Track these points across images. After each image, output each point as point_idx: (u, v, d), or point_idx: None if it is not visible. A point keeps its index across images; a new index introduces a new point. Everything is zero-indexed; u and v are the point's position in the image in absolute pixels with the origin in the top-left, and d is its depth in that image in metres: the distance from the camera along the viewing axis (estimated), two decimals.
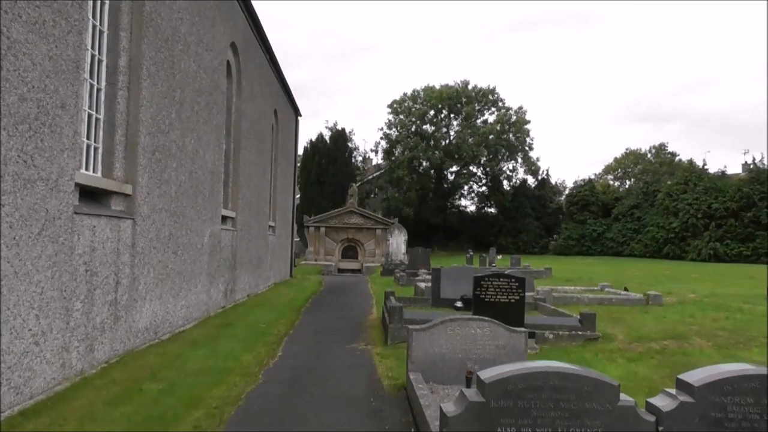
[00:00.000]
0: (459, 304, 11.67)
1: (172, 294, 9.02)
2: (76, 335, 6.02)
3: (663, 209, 40.77)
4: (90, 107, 6.88)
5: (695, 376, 3.77)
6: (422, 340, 6.12)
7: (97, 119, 7.04)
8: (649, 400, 3.84)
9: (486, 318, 6.26)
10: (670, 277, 21.92)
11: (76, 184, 6.06)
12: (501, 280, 9.02)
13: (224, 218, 12.83)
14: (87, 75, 6.75)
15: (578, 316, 9.56)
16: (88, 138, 6.83)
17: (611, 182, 74.30)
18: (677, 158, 68.97)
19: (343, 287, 20.62)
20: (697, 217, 38.26)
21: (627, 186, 69.49)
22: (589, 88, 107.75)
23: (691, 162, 43.74)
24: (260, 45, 15.77)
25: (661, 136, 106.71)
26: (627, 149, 77.32)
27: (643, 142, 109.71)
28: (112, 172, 7.13)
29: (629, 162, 76.07)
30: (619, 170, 77.94)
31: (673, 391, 3.81)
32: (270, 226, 18.54)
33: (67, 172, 5.72)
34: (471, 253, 31.51)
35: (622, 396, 3.66)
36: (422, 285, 14.22)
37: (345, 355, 8.24)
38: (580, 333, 9.17)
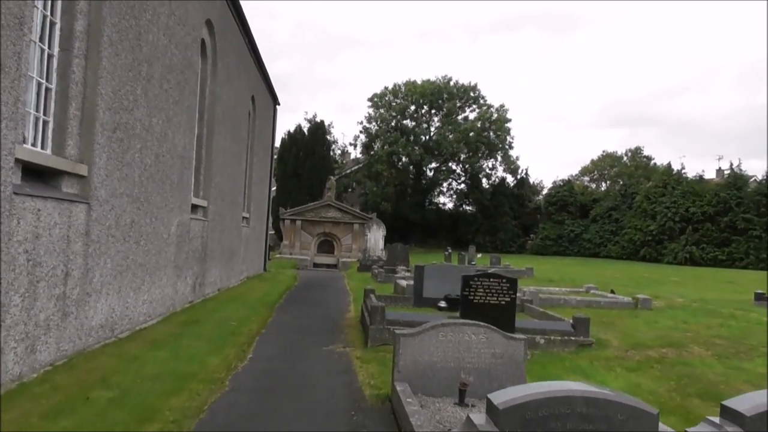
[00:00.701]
0: (443, 303, 11.06)
1: (133, 287, 8.22)
2: (13, 334, 5.22)
3: (641, 212, 40.84)
4: (40, 75, 6.06)
5: (744, 404, 3.18)
6: (411, 347, 5.46)
7: (47, 89, 6.22)
8: (689, 430, 3.23)
9: (482, 323, 5.63)
10: (650, 280, 21.67)
11: (17, 161, 5.26)
12: (491, 280, 8.42)
13: (194, 207, 12.01)
14: (36, 37, 5.93)
15: (570, 321, 9.02)
16: (36, 110, 6.01)
17: (587, 184, 74.75)
18: (652, 162, 69.67)
19: (318, 283, 19.88)
20: (674, 221, 38.36)
21: (603, 188, 69.98)
22: (567, 89, 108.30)
23: (669, 166, 43.83)
24: (238, 26, 14.93)
25: (636, 140, 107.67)
26: (603, 152, 77.90)
27: (619, 145, 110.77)
28: (64, 150, 6.31)
29: (605, 164, 76.59)
30: (596, 172, 78.44)
31: (716, 419, 3.21)
32: (244, 218, 17.72)
33: (6, 145, 4.92)
34: (449, 251, 31.01)
35: (662, 427, 3.05)
36: (403, 283, 13.57)
37: (322, 358, 7.55)
38: (573, 338, 8.62)
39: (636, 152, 74.01)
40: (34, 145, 5.98)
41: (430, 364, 5.46)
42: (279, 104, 23.76)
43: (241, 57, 15.62)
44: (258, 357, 7.37)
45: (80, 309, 6.54)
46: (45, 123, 6.20)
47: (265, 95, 20.52)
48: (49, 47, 6.22)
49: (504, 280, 8.44)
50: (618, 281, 20.43)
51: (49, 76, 6.24)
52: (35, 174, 5.95)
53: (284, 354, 7.65)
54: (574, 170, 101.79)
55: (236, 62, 15.00)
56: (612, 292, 14.36)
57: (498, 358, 5.52)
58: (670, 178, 41.01)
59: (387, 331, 8.33)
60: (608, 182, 74.58)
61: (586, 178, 77.31)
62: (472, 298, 8.36)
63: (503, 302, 8.38)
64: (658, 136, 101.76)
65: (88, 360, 6.29)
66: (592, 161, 78.98)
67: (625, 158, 74.74)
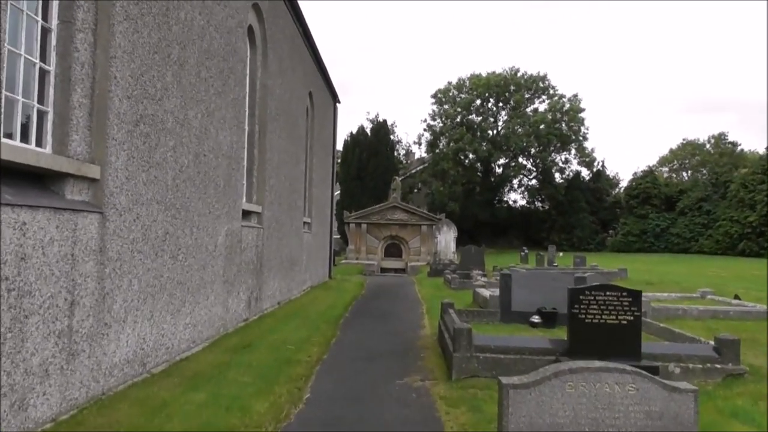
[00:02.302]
0: (536, 319, 9.28)
1: (171, 311, 6.94)
2: None
3: (737, 201, 37.04)
4: (30, 53, 4.80)
5: None
6: (525, 404, 3.80)
7: (44, 71, 4.96)
8: None
9: (627, 368, 3.88)
10: (765, 279, 18.87)
11: None
12: (607, 294, 6.59)
13: (247, 213, 10.75)
14: (23, 4, 4.67)
15: (710, 342, 7.07)
16: (26, 96, 4.75)
17: (666, 174, 70.07)
18: (739, 148, 64.48)
19: (387, 290, 18.40)
20: None
21: (685, 178, 65.29)
22: (641, 75, 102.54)
23: (763, 156, 39.53)
24: (291, 13, 13.65)
25: (718, 125, 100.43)
26: (684, 139, 72.82)
27: (700, 132, 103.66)
28: (67, 147, 5.04)
29: (686, 153, 71.58)
30: (675, 162, 73.52)
31: None
32: (305, 223, 16.45)
33: None
34: (526, 251, 28.87)
35: None
36: (485, 293, 11.81)
37: (396, 398, 5.98)
38: (718, 366, 6.67)
39: (720, 138, 68.73)
40: (25, 140, 4.72)
41: (555, 428, 3.78)
42: (339, 102, 22.49)
43: (295, 48, 14.35)
44: (316, 399, 5.88)
45: (95, 344, 5.25)
46: (42, 114, 4.94)
47: (323, 91, 19.25)
48: (45, 19, 4.96)
49: (624, 294, 6.59)
50: (727, 281, 17.86)
51: (47, 54, 4.98)
52: (29, 178, 4.70)
53: (349, 393, 6.13)
54: (652, 161, 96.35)
55: (290, 53, 13.73)
56: (736, 297, 12.10)
57: (656, 420, 3.77)
58: None
59: (476, 360, 6.69)
60: (690, 172, 69.65)
61: (665, 169, 72.51)
62: (583, 317, 6.56)
63: (624, 321, 6.53)
64: (740, 120, 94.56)
65: (102, 411, 4.98)
66: (671, 150, 74.14)
67: (707, 145, 69.58)
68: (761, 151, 65.57)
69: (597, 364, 3.89)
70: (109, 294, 5.46)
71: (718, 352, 6.80)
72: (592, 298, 6.58)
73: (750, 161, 59.09)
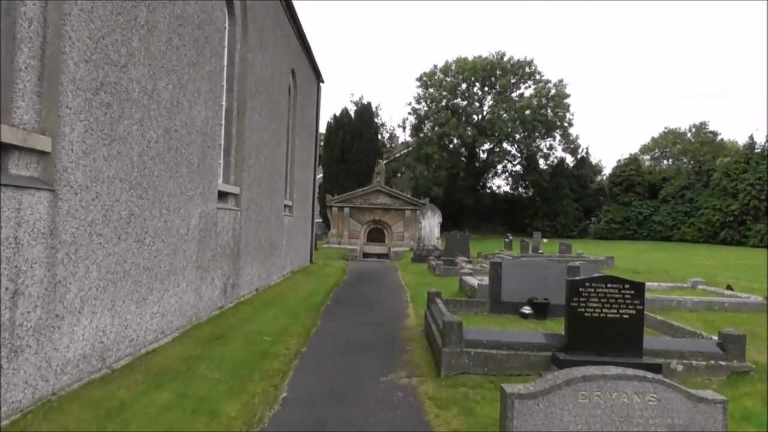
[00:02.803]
0: (527, 309, 8.85)
1: (135, 300, 6.35)
2: None
3: (720, 190, 37.09)
4: None
5: None
6: (532, 417, 3.32)
7: None
8: None
9: (649, 375, 3.42)
10: (752, 268, 18.74)
11: None
12: (608, 286, 6.14)
13: (223, 195, 10.14)
14: None
15: (715, 337, 6.69)
16: None
17: (648, 163, 70.29)
18: (719, 137, 64.87)
19: (370, 276, 17.92)
20: (759, 199, 34.55)
21: (665, 167, 65.52)
22: (624, 62, 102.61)
23: (751, 138, 39.47)
24: None
25: (696, 114, 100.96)
26: (666, 128, 72.94)
27: (680, 120, 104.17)
28: (10, 115, 4.41)
29: (667, 141, 71.81)
30: (657, 150, 73.76)
31: None
32: (286, 206, 15.84)
33: None
34: (510, 238, 28.56)
35: None
36: (472, 281, 11.34)
37: (381, 398, 5.49)
38: (723, 363, 6.29)
39: (701, 127, 69.01)
40: None
41: None
42: (323, 81, 21.77)
43: (277, 22, 13.63)
44: (294, 399, 5.36)
45: (44, 339, 4.66)
46: None
47: (307, 70, 18.53)
48: None
49: (626, 286, 6.15)
50: (715, 270, 17.66)
51: None
52: None
53: (329, 392, 5.62)
54: (633, 149, 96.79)
55: (272, 27, 13.02)
56: (729, 288, 11.80)
57: None
58: (753, 153, 37.02)
59: (466, 356, 6.22)
60: (671, 160, 69.95)
61: (646, 157, 72.74)
62: (582, 310, 6.12)
63: (626, 316, 6.10)
64: (720, 109, 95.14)
65: (49, 414, 4.41)
66: (653, 138, 74.35)
67: (689, 134, 69.86)
68: (741, 140, 66.14)
69: (614, 370, 3.42)
70: (61, 282, 4.87)
71: (722, 348, 6.42)
72: (593, 290, 6.13)
73: (730, 151, 59.44)
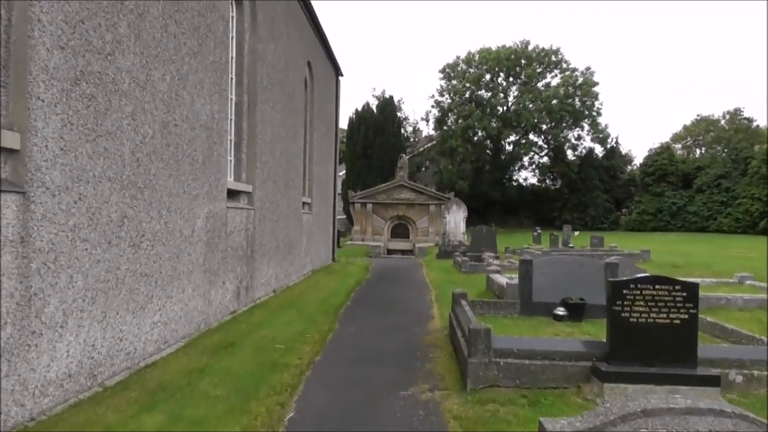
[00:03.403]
0: (561, 311, 8.13)
1: (132, 309, 5.84)
2: None
3: (758, 178, 35.45)
4: None
5: None
6: None
7: None
8: None
9: (727, 407, 2.73)
10: None
11: None
12: (656, 287, 5.41)
13: (234, 193, 9.62)
14: None
15: None
16: None
17: (680, 151, 68.21)
18: (755, 124, 62.58)
19: (393, 274, 17.31)
20: None
21: (697, 155, 63.47)
22: (653, 48, 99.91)
23: None
24: None
25: (730, 101, 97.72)
26: (698, 115, 70.63)
27: (713, 108, 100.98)
28: None
29: (700, 129, 69.55)
30: (689, 138, 71.57)
31: None
32: (305, 203, 15.31)
33: None
34: (539, 231, 27.65)
35: None
36: (500, 280, 10.61)
37: (400, 417, 4.87)
38: None
39: (735, 114, 66.71)
40: None
41: None
42: (342, 75, 21.15)
43: (290, 12, 13.06)
44: (301, 420, 4.77)
45: (17, 359, 4.15)
46: None
47: (324, 62, 17.95)
48: None
49: (678, 287, 5.41)
50: (757, 263, 16.61)
51: None
52: None
53: (342, 410, 5.02)
54: (664, 137, 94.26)
55: (284, 17, 12.46)
56: None
57: None
58: None
59: (495, 367, 5.56)
60: (703, 149, 67.77)
61: (678, 146, 70.63)
62: (627, 315, 5.40)
63: (677, 321, 5.37)
64: (753, 96, 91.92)
65: None
66: (685, 126, 72.16)
67: (722, 121, 67.58)
68: None
69: (682, 404, 2.73)
70: (37, 294, 4.35)
71: None
72: (638, 292, 5.42)
73: (766, 138, 57.21)
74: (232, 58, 9.75)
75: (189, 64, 7.29)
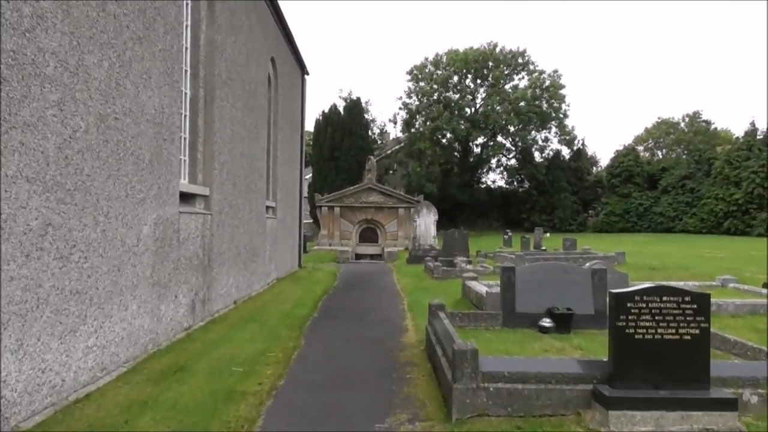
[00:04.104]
0: (547, 322, 7.51)
1: (58, 334, 4.96)
2: None
3: (722, 179, 35.90)
4: None
5: None
6: None
7: None
8: None
9: None
10: None
11: None
12: (664, 300, 4.80)
13: (188, 196, 8.76)
14: None
15: None
16: None
17: (642, 153, 69.34)
18: (713, 127, 64.14)
19: (362, 280, 16.57)
20: (763, 187, 33.38)
21: (659, 157, 64.59)
22: (614, 52, 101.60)
23: (753, 125, 38.23)
24: None
25: (690, 103, 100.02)
26: (659, 118, 72.06)
27: (673, 111, 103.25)
28: None
29: (661, 131, 70.87)
30: (651, 140, 72.88)
31: None
32: (268, 207, 14.46)
33: None
34: (509, 234, 27.26)
35: None
36: (478, 288, 9.92)
37: None
38: None
39: (694, 117, 68.22)
40: None
41: None
42: (308, 73, 20.33)
43: (252, 2, 12.21)
44: None
45: None
46: None
47: (289, 60, 17.11)
48: None
49: (687, 299, 4.81)
50: (731, 264, 16.41)
51: None
52: None
53: None
54: (626, 140, 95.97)
55: (245, 8, 11.61)
56: (766, 286, 10.52)
57: None
58: (755, 140, 35.83)
59: (484, 393, 4.87)
60: (664, 151, 69.05)
61: (640, 148, 71.78)
62: (631, 331, 4.77)
63: (687, 336, 4.77)
64: (711, 99, 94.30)
65: None
66: (646, 129, 73.50)
67: (682, 124, 69.01)
68: (734, 129, 65.11)
69: None
70: None
71: None
72: (644, 305, 4.80)
73: (724, 139, 58.47)
74: (186, 48, 8.89)
75: (133, 51, 6.42)
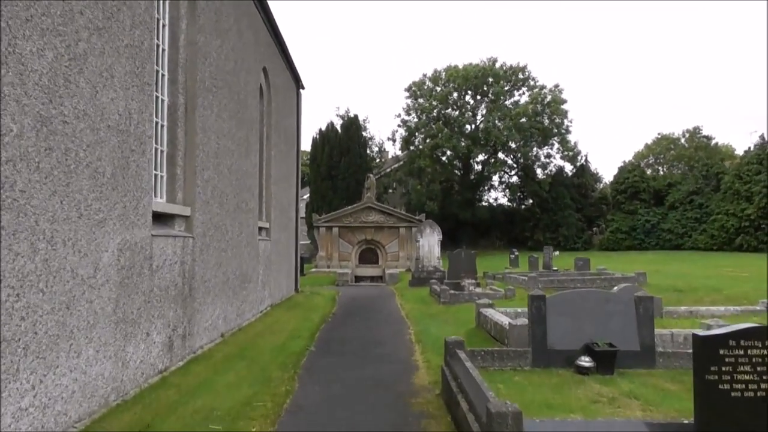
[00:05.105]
0: (586, 361, 6.33)
1: None
2: None
3: (732, 194, 34.82)
4: None
5: None
6: None
7: None
8: None
9: None
10: None
11: None
12: (766, 346, 3.66)
13: (165, 217, 7.63)
14: None
15: None
16: None
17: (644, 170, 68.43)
18: (713, 142, 63.39)
19: (363, 306, 15.39)
20: None
21: (660, 173, 63.74)
22: (615, 66, 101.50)
23: (763, 138, 37.13)
24: None
25: (689, 119, 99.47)
26: (659, 134, 71.34)
27: (672, 126, 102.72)
28: None
29: (661, 147, 70.11)
30: (651, 156, 72.10)
31: None
32: (261, 229, 13.32)
33: None
34: (516, 253, 26.12)
35: None
36: (499, 319, 8.65)
37: None
38: None
39: (695, 132, 67.47)
40: None
41: None
42: (303, 87, 19.35)
43: (241, 7, 11.22)
44: None
45: None
46: None
47: (283, 72, 16.12)
48: None
49: None
50: (755, 283, 15.25)
51: None
52: None
53: None
54: (626, 156, 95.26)
55: (234, 11, 10.60)
56: None
57: None
58: (765, 153, 34.81)
59: None
60: (665, 167, 68.23)
61: (642, 164, 70.95)
62: (726, 387, 3.62)
63: None
64: (709, 114, 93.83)
65: None
66: (647, 145, 72.78)
67: (682, 140, 68.26)
68: (735, 144, 64.19)
69: None
70: None
71: None
72: (742, 352, 3.65)
73: (725, 154, 57.55)
74: (162, 49, 7.84)
75: (89, 42, 5.34)
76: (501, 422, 3.75)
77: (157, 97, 7.64)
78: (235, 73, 10.74)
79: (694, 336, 3.80)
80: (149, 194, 6.82)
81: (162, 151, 7.89)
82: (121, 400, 5.94)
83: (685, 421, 3.94)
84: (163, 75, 7.90)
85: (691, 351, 6.67)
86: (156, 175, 7.64)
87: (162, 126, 7.88)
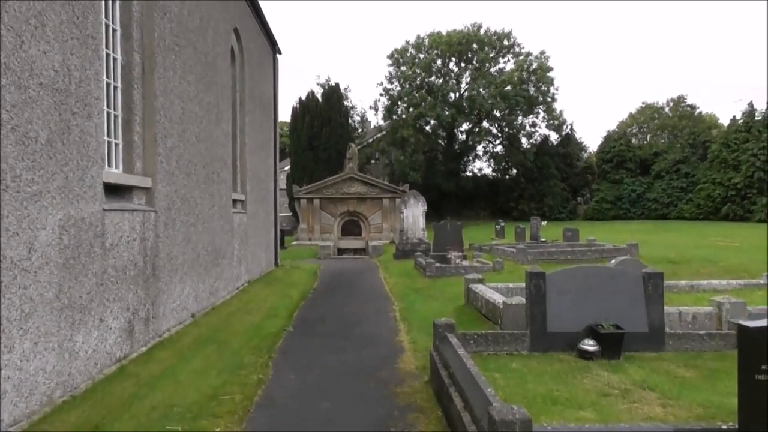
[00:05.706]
0: (590, 345, 5.74)
1: None
2: None
3: (719, 162, 34.49)
4: None
5: None
6: None
7: None
8: None
9: None
10: None
11: None
12: None
13: (121, 189, 6.85)
14: None
15: None
16: None
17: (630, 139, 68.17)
18: (697, 111, 63.11)
19: (346, 280, 14.77)
20: (764, 170, 32.02)
21: (644, 142, 63.59)
22: (597, 35, 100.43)
23: (751, 105, 36.67)
24: None
25: (673, 88, 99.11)
26: (643, 103, 70.81)
27: (657, 95, 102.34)
28: None
29: (646, 116, 69.82)
30: (635, 125, 71.82)
31: None
32: (236, 201, 12.53)
33: None
34: (502, 224, 25.57)
35: None
36: (491, 296, 7.99)
37: None
38: None
39: (679, 101, 67.10)
40: None
41: None
42: (280, 52, 18.32)
43: None
44: None
45: None
46: None
47: (257, 34, 15.11)
48: None
49: None
50: (749, 254, 14.86)
51: None
52: None
53: None
54: (610, 125, 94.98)
55: None
56: None
57: None
58: (753, 121, 34.41)
59: None
60: (649, 136, 68.06)
61: (626, 132, 70.63)
62: None
63: None
64: (692, 82, 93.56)
65: None
66: (631, 114, 72.40)
67: (666, 109, 67.94)
68: (718, 114, 64.02)
69: None
70: None
71: None
72: None
73: (710, 123, 57.35)
74: None
75: None
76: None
77: (108, 55, 6.79)
78: (201, 32, 9.82)
79: (741, 327, 3.17)
80: (99, 164, 6.02)
81: (116, 116, 7.05)
82: (69, 395, 5.24)
83: (724, 426, 3.33)
84: (114, 30, 7.02)
85: (703, 332, 6.19)
86: (110, 143, 6.83)
87: (116, 88, 7.03)
